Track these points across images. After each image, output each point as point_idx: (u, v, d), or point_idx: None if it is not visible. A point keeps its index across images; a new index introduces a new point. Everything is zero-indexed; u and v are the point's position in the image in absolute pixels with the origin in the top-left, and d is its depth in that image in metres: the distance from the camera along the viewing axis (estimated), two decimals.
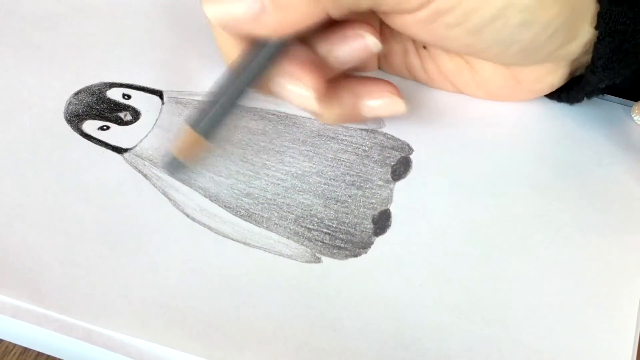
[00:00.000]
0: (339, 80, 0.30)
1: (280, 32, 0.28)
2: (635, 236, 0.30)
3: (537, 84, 0.32)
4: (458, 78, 0.33)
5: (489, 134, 0.33)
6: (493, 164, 0.32)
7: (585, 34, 0.29)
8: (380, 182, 0.31)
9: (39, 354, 0.28)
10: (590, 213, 0.31)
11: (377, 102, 0.30)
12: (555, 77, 0.32)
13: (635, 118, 0.33)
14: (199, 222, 0.29)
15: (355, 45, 0.30)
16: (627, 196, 0.31)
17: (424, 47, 0.33)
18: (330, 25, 0.29)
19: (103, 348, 0.26)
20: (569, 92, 0.32)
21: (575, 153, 0.32)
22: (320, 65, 0.29)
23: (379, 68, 0.34)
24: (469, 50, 0.30)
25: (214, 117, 0.29)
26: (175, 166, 0.30)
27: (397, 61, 0.34)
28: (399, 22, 0.29)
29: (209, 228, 0.29)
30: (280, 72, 0.29)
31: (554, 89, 0.32)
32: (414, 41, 0.33)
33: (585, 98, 0.32)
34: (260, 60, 0.29)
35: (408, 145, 0.32)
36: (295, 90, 0.29)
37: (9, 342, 0.28)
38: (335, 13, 0.28)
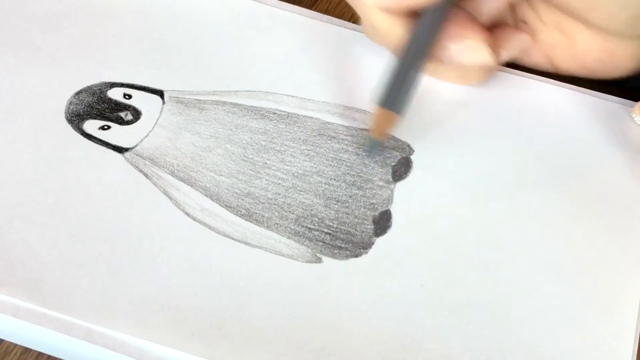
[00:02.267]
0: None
1: None
2: (636, 237, 0.30)
3: (630, 60, 0.33)
4: (555, 52, 0.34)
5: (490, 135, 0.33)
6: (494, 164, 0.32)
7: None
8: (381, 183, 0.31)
9: (39, 354, 0.28)
10: (591, 214, 0.31)
11: (517, 44, 0.32)
12: None
13: (635, 118, 0.33)
14: (200, 222, 0.29)
15: None
16: (627, 197, 0.31)
17: (524, 22, 0.33)
18: None
19: (104, 347, 0.26)
20: None
21: (576, 153, 0.32)
22: (477, 20, 0.31)
23: None
24: (584, 6, 0.31)
25: (403, 92, 0.30)
26: (377, 147, 0.31)
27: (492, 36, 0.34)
28: None
29: (210, 227, 0.29)
30: (449, 37, 0.30)
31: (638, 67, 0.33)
32: (514, 17, 0.34)
33: None
34: (428, 29, 0.30)
35: (409, 145, 0.32)
36: (471, 50, 0.30)
37: (10, 343, 0.28)
38: None
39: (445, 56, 0.31)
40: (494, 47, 0.31)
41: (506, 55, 0.33)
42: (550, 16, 0.33)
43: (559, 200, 0.31)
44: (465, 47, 0.31)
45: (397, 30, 0.31)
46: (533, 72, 0.35)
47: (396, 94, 0.30)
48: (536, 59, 0.34)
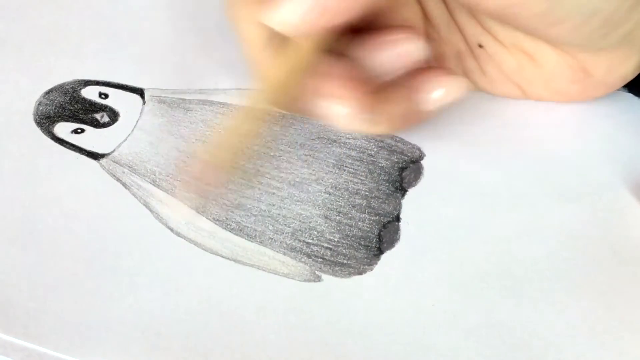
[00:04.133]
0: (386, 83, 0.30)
1: (345, 14, 0.27)
2: None
3: (608, 76, 0.32)
4: (522, 76, 0.33)
5: (511, 137, 0.33)
6: (515, 170, 0.32)
7: None
8: (387, 191, 0.31)
9: None
10: (623, 228, 0.30)
11: (441, 90, 0.30)
12: (628, 67, 0.31)
13: None
14: (184, 237, 0.29)
15: (398, 51, 0.29)
16: None
17: (480, 46, 0.33)
18: (368, 32, 0.29)
19: None
20: None
21: (608, 160, 0.32)
22: (360, 77, 0.29)
23: None
24: (543, 21, 0.29)
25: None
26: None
27: (450, 67, 0.33)
28: None
29: (196, 244, 0.29)
30: (317, 91, 0.29)
31: (625, 82, 0.32)
32: (467, 42, 0.33)
33: None
34: (289, 70, 0.28)
35: (419, 149, 0.32)
36: (337, 110, 0.29)
37: None
38: None
39: (308, 108, 0.29)
40: (376, 105, 0.29)
41: (435, 104, 0.30)
42: (509, 36, 0.32)
43: (587, 212, 0.31)
44: (330, 105, 0.29)
45: (257, 51, 0.29)
46: None
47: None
48: (504, 88, 0.33)
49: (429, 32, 0.32)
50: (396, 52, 0.29)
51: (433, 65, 0.31)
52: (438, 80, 0.30)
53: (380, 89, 0.30)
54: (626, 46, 0.31)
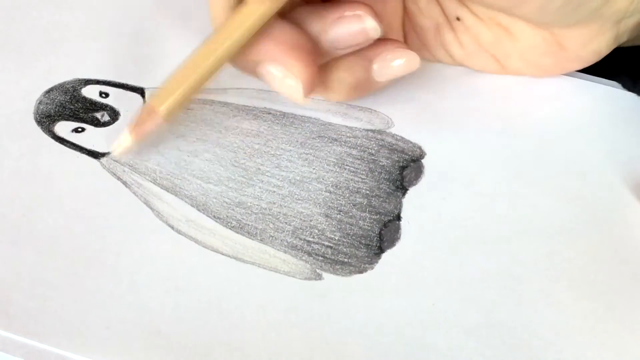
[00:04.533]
0: None
1: None
2: None
3: (582, 49, 0.32)
4: (498, 49, 0.33)
5: (511, 137, 0.33)
6: (515, 170, 0.32)
7: None
8: (388, 190, 0.31)
9: None
10: (623, 228, 0.30)
11: (392, 62, 0.31)
12: (601, 42, 0.32)
13: None
14: (185, 235, 0.29)
15: (352, 28, 0.30)
16: None
17: (458, 19, 0.33)
18: (327, 5, 0.30)
19: None
20: None
21: (608, 160, 0.32)
22: (307, 48, 0.29)
23: None
24: (510, 2, 0.30)
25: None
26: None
27: (429, 39, 0.34)
28: None
29: (196, 241, 0.29)
30: (262, 52, 0.29)
31: (600, 57, 0.33)
32: (445, 14, 0.33)
33: None
34: (239, 27, 0.29)
35: (420, 147, 0.32)
36: (276, 75, 0.29)
37: None
38: None
39: (255, 72, 0.30)
40: (329, 71, 0.30)
41: (385, 76, 0.31)
42: (485, 10, 0.33)
43: (589, 212, 0.31)
44: (276, 72, 0.29)
45: (220, 11, 0.30)
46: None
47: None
48: (481, 61, 0.34)
49: (408, 5, 0.33)
50: (349, 28, 0.30)
51: (388, 37, 0.32)
52: (393, 52, 0.31)
53: (336, 57, 0.30)
54: (598, 21, 0.31)
